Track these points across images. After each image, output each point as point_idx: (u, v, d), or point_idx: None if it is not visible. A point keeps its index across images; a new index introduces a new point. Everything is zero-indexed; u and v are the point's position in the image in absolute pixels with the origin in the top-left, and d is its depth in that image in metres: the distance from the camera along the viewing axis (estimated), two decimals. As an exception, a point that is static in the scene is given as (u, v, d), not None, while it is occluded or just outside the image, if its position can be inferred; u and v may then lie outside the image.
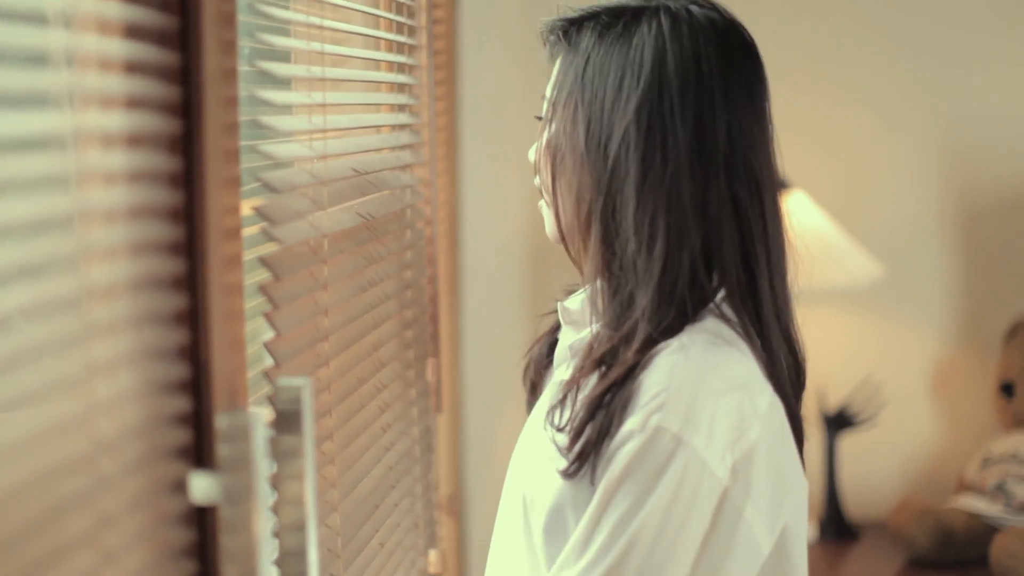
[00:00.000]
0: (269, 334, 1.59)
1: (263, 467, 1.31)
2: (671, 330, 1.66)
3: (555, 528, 1.68)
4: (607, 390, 1.64)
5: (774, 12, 3.71)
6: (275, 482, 1.37)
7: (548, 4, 3.54)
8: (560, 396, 1.70)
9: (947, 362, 3.75)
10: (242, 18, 1.51)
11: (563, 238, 1.79)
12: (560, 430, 1.68)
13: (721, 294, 1.71)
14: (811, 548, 3.51)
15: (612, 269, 1.69)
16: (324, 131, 1.77)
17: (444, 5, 2.87)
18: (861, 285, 3.57)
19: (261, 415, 1.30)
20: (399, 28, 2.22)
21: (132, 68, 1.22)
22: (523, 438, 1.87)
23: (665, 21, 1.72)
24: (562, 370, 1.80)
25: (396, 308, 2.16)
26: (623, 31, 1.73)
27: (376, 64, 2.17)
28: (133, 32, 1.23)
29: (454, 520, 3.21)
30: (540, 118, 1.82)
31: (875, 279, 3.52)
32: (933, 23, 3.68)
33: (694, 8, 1.75)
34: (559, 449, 1.67)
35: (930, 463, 3.77)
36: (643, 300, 1.66)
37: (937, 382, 3.76)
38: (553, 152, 1.77)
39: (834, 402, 3.62)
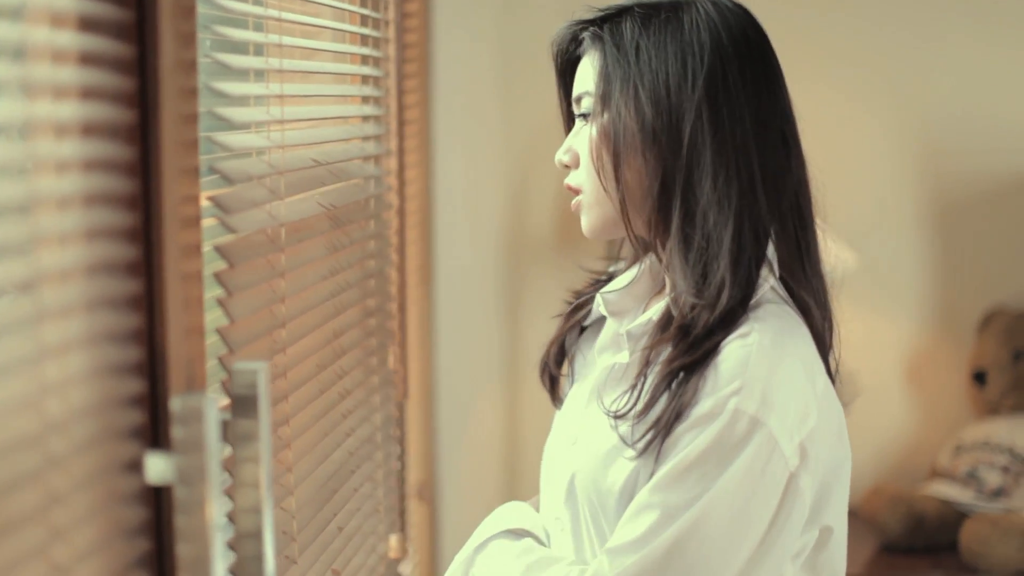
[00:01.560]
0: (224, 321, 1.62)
1: (217, 449, 1.34)
2: (742, 304, 1.77)
3: (626, 507, 1.77)
4: (682, 368, 1.74)
5: (754, 4, 3.74)
6: (231, 465, 1.40)
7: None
8: (633, 378, 1.79)
9: (921, 351, 3.78)
10: (201, 10, 1.54)
11: (627, 223, 1.85)
12: (625, 414, 1.77)
13: (764, 272, 1.82)
14: (784, 534, 3.54)
15: (693, 240, 1.78)
16: (282, 122, 1.80)
17: (416, 14, 2.90)
18: (836, 274, 3.60)
19: (215, 398, 1.33)
20: (364, 21, 2.24)
21: (87, 60, 1.25)
22: (561, 426, 1.96)
23: (709, 7, 1.85)
24: (608, 356, 1.89)
25: (359, 296, 2.18)
26: (668, 19, 1.83)
27: (341, 56, 2.19)
28: (87, 24, 1.26)
29: (426, 506, 3.24)
30: (584, 116, 1.89)
31: (850, 268, 3.55)
32: (911, 17, 3.71)
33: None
34: (622, 432, 1.77)
35: (903, 450, 3.80)
36: (724, 264, 1.76)
37: (911, 370, 3.79)
38: (614, 139, 1.83)
39: (808, 390, 3.65)
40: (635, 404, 1.76)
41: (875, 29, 3.72)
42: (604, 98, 1.84)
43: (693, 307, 1.77)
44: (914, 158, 3.73)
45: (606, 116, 1.84)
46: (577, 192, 1.91)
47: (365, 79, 2.27)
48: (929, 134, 3.72)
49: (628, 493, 1.78)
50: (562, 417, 1.99)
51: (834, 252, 3.43)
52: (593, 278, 2.08)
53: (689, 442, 1.71)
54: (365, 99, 2.28)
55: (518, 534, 1.95)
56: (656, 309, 1.83)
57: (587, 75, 1.88)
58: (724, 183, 1.78)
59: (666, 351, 1.77)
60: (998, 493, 3.41)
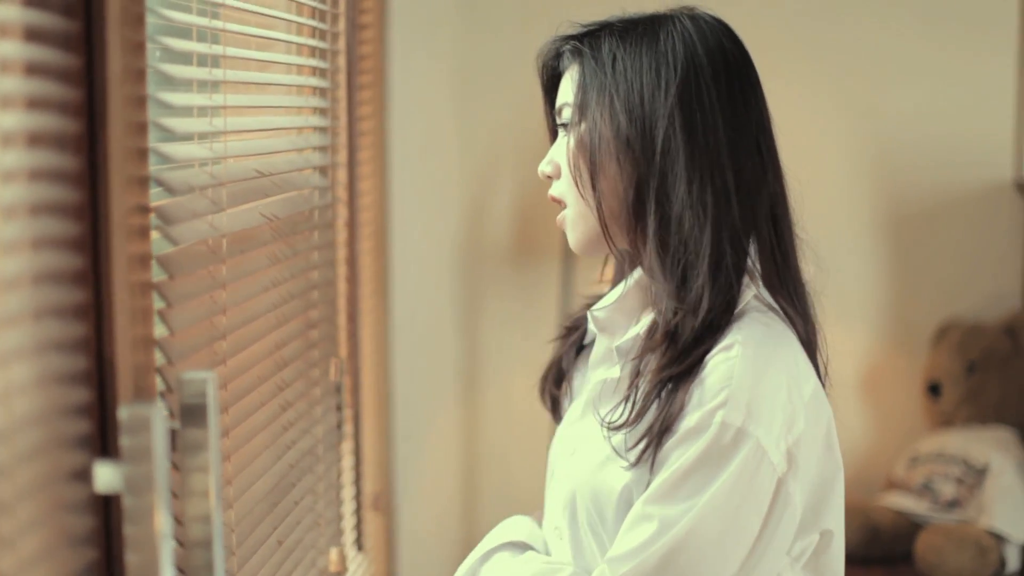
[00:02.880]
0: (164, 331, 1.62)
1: (165, 458, 1.34)
2: (726, 313, 1.82)
3: (623, 515, 1.83)
4: (670, 378, 1.79)
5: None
6: (180, 474, 1.41)
7: (477, 10, 3.58)
8: (624, 392, 1.84)
9: (875, 362, 3.80)
10: (149, 20, 1.54)
11: (606, 235, 1.89)
12: (620, 426, 1.82)
13: (746, 280, 1.87)
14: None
15: (669, 245, 1.83)
16: (224, 133, 1.80)
17: (372, 10, 2.89)
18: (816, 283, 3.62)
19: (162, 408, 1.34)
20: (313, 33, 2.24)
21: (32, 70, 1.25)
22: (562, 443, 2.01)
23: (686, 22, 1.91)
24: (601, 371, 1.94)
25: (301, 308, 2.18)
26: (646, 32, 1.89)
27: (290, 68, 2.19)
28: (33, 35, 1.26)
29: (382, 517, 3.24)
30: (564, 125, 1.93)
31: (805, 280, 3.56)
32: (867, 31, 3.73)
33: (701, 13, 1.96)
34: (615, 443, 1.83)
35: (858, 461, 3.81)
36: (702, 269, 1.81)
37: (866, 382, 3.81)
38: (591, 148, 1.87)
39: (764, 402, 3.66)
40: (629, 415, 1.81)
41: (830, 42, 3.74)
42: (581, 108, 1.88)
43: (675, 312, 1.81)
44: (869, 170, 3.75)
45: (583, 126, 1.88)
46: (561, 204, 1.95)
47: (313, 90, 2.27)
48: (884, 147, 3.74)
49: (625, 501, 1.83)
50: (562, 431, 2.03)
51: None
52: (587, 301, 2.10)
53: (679, 456, 1.75)
54: (313, 110, 2.27)
55: (520, 547, 2.00)
56: (644, 323, 1.87)
57: (567, 87, 1.93)
58: (698, 189, 1.82)
59: (655, 360, 1.82)
60: (953, 504, 3.42)
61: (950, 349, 3.63)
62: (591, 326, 1.98)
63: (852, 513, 3.42)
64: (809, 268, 3.33)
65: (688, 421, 1.75)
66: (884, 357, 3.80)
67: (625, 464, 1.81)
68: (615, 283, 2.03)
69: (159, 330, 1.58)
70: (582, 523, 1.91)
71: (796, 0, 3.77)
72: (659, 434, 1.77)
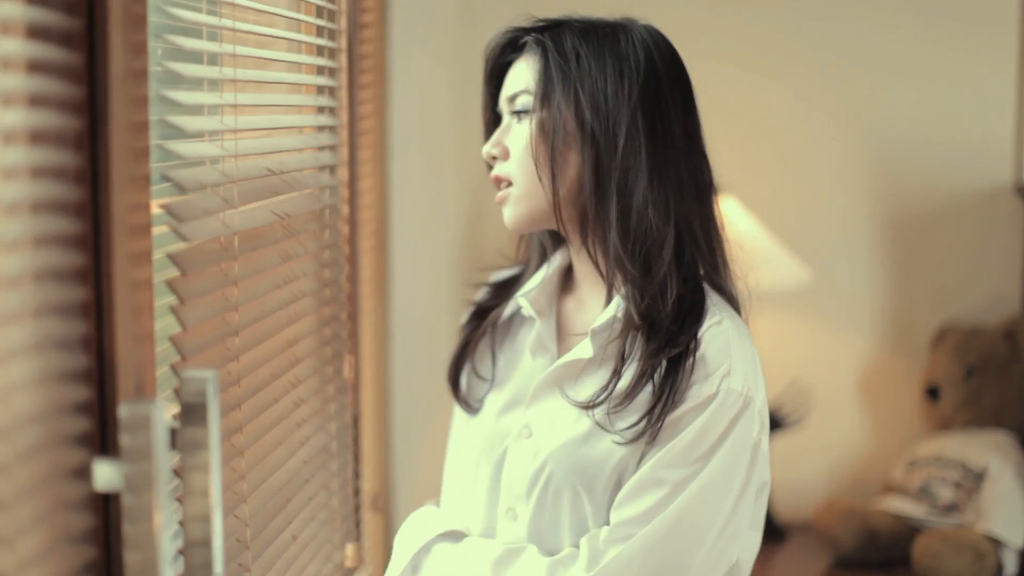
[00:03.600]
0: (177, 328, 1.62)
1: (165, 457, 1.33)
2: (696, 294, 1.97)
3: (617, 489, 1.97)
4: (665, 360, 1.94)
5: (709, 20, 3.76)
6: (181, 473, 1.40)
7: (478, 9, 3.57)
8: (611, 371, 1.97)
9: (874, 366, 3.80)
10: (154, 19, 1.54)
11: (558, 216, 2.01)
12: (601, 403, 1.96)
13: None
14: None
15: (632, 233, 1.96)
16: (236, 131, 1.80)
17: (373, 9, 2.89)
18: (790, 289, 3.62)
19: (162, 406, 1.33)
20: (319, 32, 2.24)
21: (35, 67, 1.25)
22: (504, 428, 2.09)
23: (642, 31, 2.04)
24: (542, 357, 2.09)
25: (314, 306, 2.17)
26: (606, 35, 2.02)
27: (295, 66, 2.19)
28: (36, 33, 1.26)
29: (380, 516, 3.23)
30: (519, 112, 2.03)
31: (804, 284, 3.57)
32: (868, 36, 3.73)
33: (647, 24, 2.09)
34: (599, 419, 1.96)
35: (857, 465, 3.81)
36: (666, 257, 1.95)
37: (864, 386, 3.81)
38: (552, 134, 1.98)
39: (762, 404, 3.67)
40: (623, 395, 1.94)
41: (829, 46, 3.74)
42: (544, 97, 1.99)
43: (642, 297, 1.95)
44: (868, 175, 3.75)
45: (545, 113, 1.98)
46: (506, 183, 2.04)
47: (320, 89, 2.27)
48: (883, 150, 3.74)
49: (619, 473, 1.96)
50: (503, 418, 2.10)
51: (789, 267, 3.46)
52: (487, 286, 2.23)
53: (689, 423, 1.91)
54: (320, 109, 2.27)
55: (456, 536, 2.07)
56: (615, 306, 1.98)
57: (523, 75, 2.03)
58: (658, 184, 1.95)
59: (642, 344, 1.95)
60: (950, 508, 3.43)
61: (949, 353, 3.63)
62: (526, 311, 2.09)
63: (850, 516, 3.42)
64: (803, 272, 3.34)
65: (697, 392, 1.91)
66: (883, 360, 3.80)
67: (619, 439, 1.93)
68: (534, 266, 2.17)
69: (173, 326, 1.58)
70: (556, 500, 2.00)
71: (795, 2, 3.77)
72: (662, 413, 1.91)
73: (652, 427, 1.91)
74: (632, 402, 1.93)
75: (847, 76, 3.74)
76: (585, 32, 2.02)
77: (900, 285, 3.78)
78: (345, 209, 2.35)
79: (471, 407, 2.16)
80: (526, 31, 2.06)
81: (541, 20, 2.07)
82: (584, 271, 2.08)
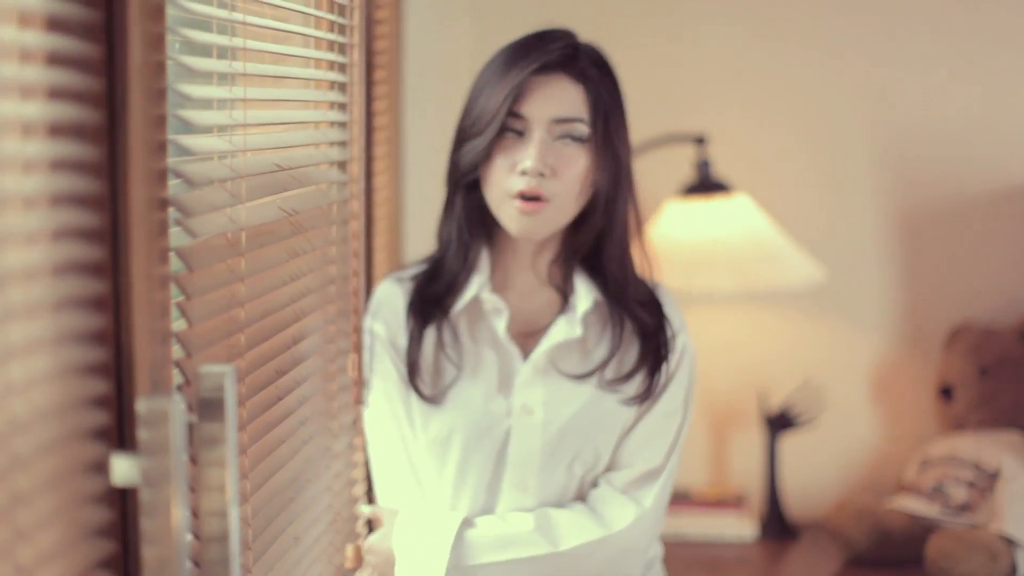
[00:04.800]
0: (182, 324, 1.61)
1: (182, 452, 1.33)
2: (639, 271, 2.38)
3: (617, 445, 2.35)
4: (650, 326, 2.35)
5: (720, 18, 3.75)
6: (197, 468, 1.40)
7: (491, 8, 3.57)
8: (612, 343, 2.32)
9: (888, 365, 3.79)
10: (170, 12, 1.53)
11: (567, 232, 2.33)
12: (630, 373, 2.32)
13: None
14: (752, 547, 3.55)
15: (622, 236, 2.32)
16: (245, 126, 1.79)
17: (388, 5, 2.88)
18: (803, 288, 3.61)
19: (181, 401, 1.33)
20: (331, 26, 2.23)
21: (54, 60, 1.25)
22: (499, 409, 2.29)
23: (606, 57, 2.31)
24: (513, 350, 2.31)
25: (319, 303, 2.16)
26: (606, 62, 2.30)
27: (306, 61, 2.17)
28: (55, 24, 1.25)
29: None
30: (572, 137, 2.23)
31: (817, 282, 3.56)
32: (876, 32, 3.72)
33: None
34: (615, 386, 2.31)
35: (870, 464, 3.80)
36: (632, 253, 2.33)
37: (878, 385, 3.80)
38: (604, 169, 2.26)
39: (776, 403, 3.66)
40: (618, 361, 2.33)
41: (847, 43, 3.73)
42: (604, 133, 2.24)
43: (626, 284, 2.33)
44: (883, 174, 3.74)
45: (601, 147, 2.24)
46: (544, 200, 2.21)
47: (331, 84, 2.26)
48: (897, 150, 3.73)
49: (622, 430, 2.34)
50: (482, 404, 2.29)
51: (803, 266, 3.45)
52: (398, 283, 2.36)
53: (673, 376, 2.34)
54: (331, 105, 2.26)
55: (469, 523, 2.26)
56: (588, 292, 2.32)
57: (575, 102, 2.23)
58: (633, 199, 2.32)
59: (631, 321, 2.34)
60: (964, 508, 3.41)
61: (963, 352, 3.62)
62: (493, 305, 2.30)
63: (863, 515, 3.41)
64: (816, 271, 3.33)
65: (673, 348, 2.35)
66: (897, 360, 3.79)
67: (621, 398, 2.31)
68: (452, 262, 2.34)
69: (178, 323, 1.57)
70: (569, 466, 2.31)
71: (812, -1, 3.76)
72: (659, 369, 2.32)
73: (655, 384, 2.32)
74: (629, 364, 2.33)
75: (862, 74, 3.73)
76: (599, 60, 2.29)
77: (914, 284, 3.77)
78: (356, 206, 2.34)
79: (433, 400, 2.29)
80: (567, 54, 2.24)
81: (569, 43, 2.26)
82: (524, 266, 2.34)
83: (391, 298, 2.34)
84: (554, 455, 2.29)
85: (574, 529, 2.26)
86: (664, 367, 2.33)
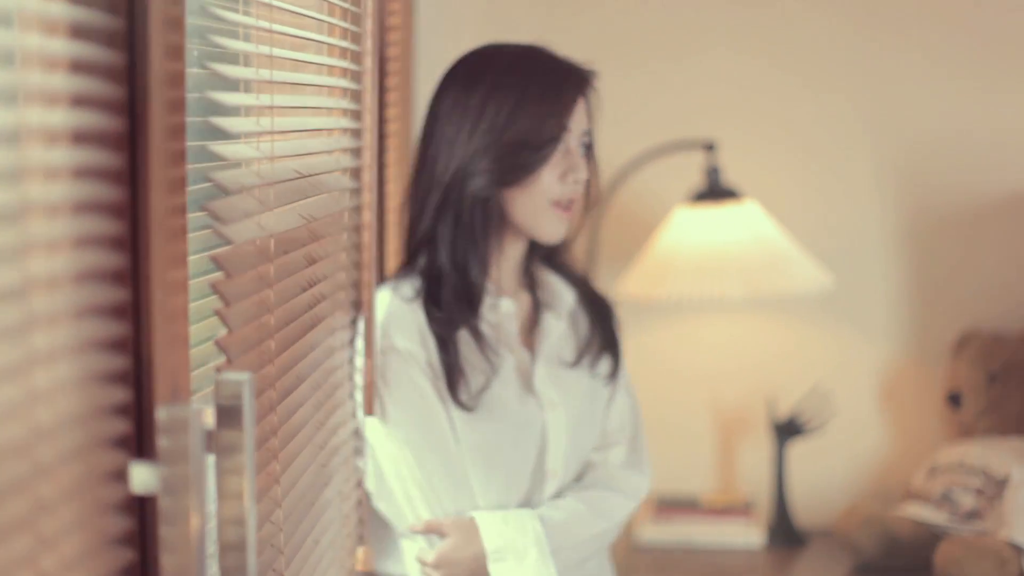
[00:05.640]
0: (222, 331, 1.61)
1: (201, 459, 1.33)
2: None
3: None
4: (608, 308, 2.70)
5: (730, 24, 3.75)
6: (216, 476, 1.40)
7: (504, 13, 3.57)
8: (587, 336, 2.63)
9: (896, 372, 3.79)
10: (193, 21, 1.53)
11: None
12: (610, 356, 2.64)
13: None
14: (759, 554, 3.55)
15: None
16: (272, 133, 1.79)
17: (399, 12, 2.88)
18: (812, 294, 3.61)
19: (200, 409, 1.33)
20: (343, 33, 2.23)
21: (78, 67, 1.25)
22: (519, 409, 2.49)
23: None
24: (520, 349, 2.54)
25: (331, 309, 2.17)
26: None
27: (323, 68, 2.18)
28: (79, 32, 1.25)
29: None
30: (587, 146, 2.51)
31: (826, 289, 3.56)
32: (884, 40, 3.72)
33: None
34: (596, 368, 2.62)
35: (878, 471, 3.81)
36: None
37: (886, 391, 3.80)
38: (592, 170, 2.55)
39: (784, 410, 3.66)
40: (595, 347, 2.63)
41: (850, 52, 3.73)
42: (592, 139, 2.53)
43: (581, 271, 2.71)
44: (890, 180, 3.74)
45: (593, 152, 2.53)
46: (573, 205, 2.49)
47: (343, 92, 2.26)
48: (905, 156, 3.73)
49: (605, 407, 2.64)
50: (518, 405, 2.48)
51: (811, 273, 3.45)
52: (418, 290, 2.46)
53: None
54: (343, 112, 2.26)
55: (540, 516, 2.46)
56: (566, 289, 2.62)
57: (588, 115, 2.51)
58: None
59: (592, 310, 2.65)
60: (972, 515, 3.41)
61: (971, 359, 3.62)
62: (510, 309, 2.52)
63: (871, 522, 3.41)
64: (824, 278, 3.33)
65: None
66: (904, 367, 3.79)
67: (602, 378, 2.62)
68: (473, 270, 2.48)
69: (219, 330, 1.58)
70: (584, 449, 2.58)
71: (819, 5, 3.75)
72: (614, 345, 2.64)
73: (619, 361, 2.64)
74: (599, 347, 2.62)
75: (870, 81, 3.73)
76: None
77: (922, 291, 3.77)
78: (368, 215, 2.34)
79: (469, 407, 2.43)
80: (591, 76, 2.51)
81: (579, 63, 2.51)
82: (511, 269, 2.56)
83: (406, 313, 2.41)
84: (577, 441, 2.54)
85: (614, 505, 2.56)
86: (619, 344, 2.65)
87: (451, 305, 2.43)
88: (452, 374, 2.41)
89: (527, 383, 2.51)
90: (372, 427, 2.39)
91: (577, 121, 2.47)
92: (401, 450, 2.38)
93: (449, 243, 2.42)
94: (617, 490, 2.59)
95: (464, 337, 2.45)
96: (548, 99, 2.43)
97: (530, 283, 2.62)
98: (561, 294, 2.61)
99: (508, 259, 2.54)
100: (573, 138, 2.46)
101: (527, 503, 2.50)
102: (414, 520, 2.40)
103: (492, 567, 2.37)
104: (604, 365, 2.63)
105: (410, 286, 2.44)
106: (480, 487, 2.44)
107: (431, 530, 2.40)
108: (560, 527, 2.46)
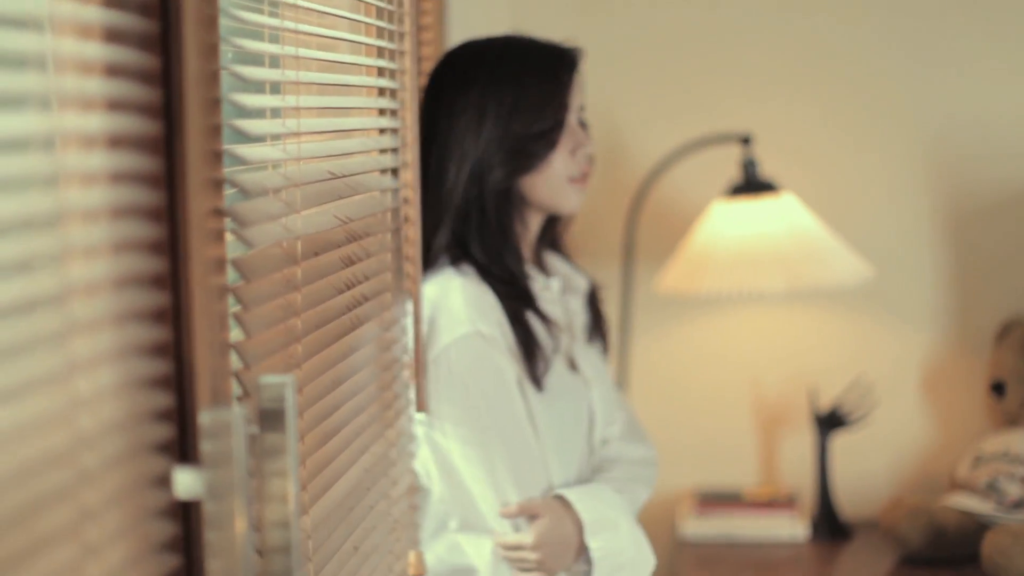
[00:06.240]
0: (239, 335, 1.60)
1: (245, 463, 1.32)
2: None
3: None
4: (594, 285, 2.80)
5: (765, 16, 3.73)
6: (259, 479, 1.39)
7: (533, 11, 3.56)
8: (591, 312, 2.74)
9: (938, 361, 3.77)
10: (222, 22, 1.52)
11: None
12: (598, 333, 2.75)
13: None
14: (804, 546, 3.53)
15: None
16: (299, 134, 1.78)
17: (431, 12, 2.88)
18: (853, 286, 3.59)
19: (243, 412, 1.32)
20: (380, 33, 2.22)
21: (113, 71, 1.24)
22: (577, 385, 2.59)
23: None
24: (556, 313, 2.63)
25: (376, 311, 2.16)
26: None
27: (357, 68, 2.17)
28: (113, 36, 1.24)
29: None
30: (583, 123, 2.61)
31: (866, 279, 3.53)
32: (921, 25, 3.69)
33: None
34: (603, 352, 2.75)
35: (922, 462, 3.78)
36: None
37: (929, 381, 3.77)
38: None
39: (826, 402, 3.64)
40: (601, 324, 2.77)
41: (886, 39, 3.71)
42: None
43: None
44: (929, 168, 3.72)
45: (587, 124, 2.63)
46: (587, 176, 2.60)
47: (381, 91, 2.25)
48: (945, 142, 3.71)
49: None
50: (572, 382, 2.58)
51: (851, 263, 3.43)
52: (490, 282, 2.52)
53: None
54: (382, 111, 2.25)
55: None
56: (572, 268, 2.75)
57: (579, 93, 2.59)
58: None
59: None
60: (1019, 504, 3.39)
61: (1014, 347, 3.59)
62: (557, 285, 2.65)
63: (917, 514, 3.39)
64: (865, 267, 3.30)
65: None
66: (947, 356, 3.77)
67: (603, 354, 2.74)
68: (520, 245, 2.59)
69: (235, 334, 1.56)
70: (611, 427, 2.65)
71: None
72: (602, 320, 2.76)
73: (607, 336, 2.78)
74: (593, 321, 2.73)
75: (908, 69, 3.70)
76: None
77: (963, 280, 3.74)
78: (413, 212, 2.33)
79: (540, 387, 2.49)
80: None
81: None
82: (528, 250, 2.62)
83: (483, 296, 2.46)
84: (608, 414, 2.63)
85: (646, 474, 2.65)
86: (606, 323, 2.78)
87: (502, 289, 2.49)
88: (531, 351, 2.47)
89: (571, 362, 2.60)
90: (435, 420, 2.40)
91: (576, 97, 2.57)
92: (483, 437, 2.41)
93: (479, 241, 2.49)
94: (644, 460, 2.67)
95: (530, 316, 2.51)
96: (546, 85, 2.51)
97: (539, 263, 2.69)
98: (573, 275, 2.72)
99: (530, 238, 2.63)
100: (573, 115, 2.56)
101: (583, 480, 2.56)
102: (501, 506, 2.41)
103: (590, 541, 2.42)
104: (600, 344, 2.74)
105: (471, 272, 2.48)
106: (554, 466, 2.49)
107: (525, 512, 2.41)
108: (628, 498, 2.55)
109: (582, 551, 2.43)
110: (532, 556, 2.39)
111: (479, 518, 2.43)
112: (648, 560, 2.50)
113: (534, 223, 2.62)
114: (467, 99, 2.45)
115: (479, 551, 2.44)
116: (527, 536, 2.39)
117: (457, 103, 2.45)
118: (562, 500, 2.44)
